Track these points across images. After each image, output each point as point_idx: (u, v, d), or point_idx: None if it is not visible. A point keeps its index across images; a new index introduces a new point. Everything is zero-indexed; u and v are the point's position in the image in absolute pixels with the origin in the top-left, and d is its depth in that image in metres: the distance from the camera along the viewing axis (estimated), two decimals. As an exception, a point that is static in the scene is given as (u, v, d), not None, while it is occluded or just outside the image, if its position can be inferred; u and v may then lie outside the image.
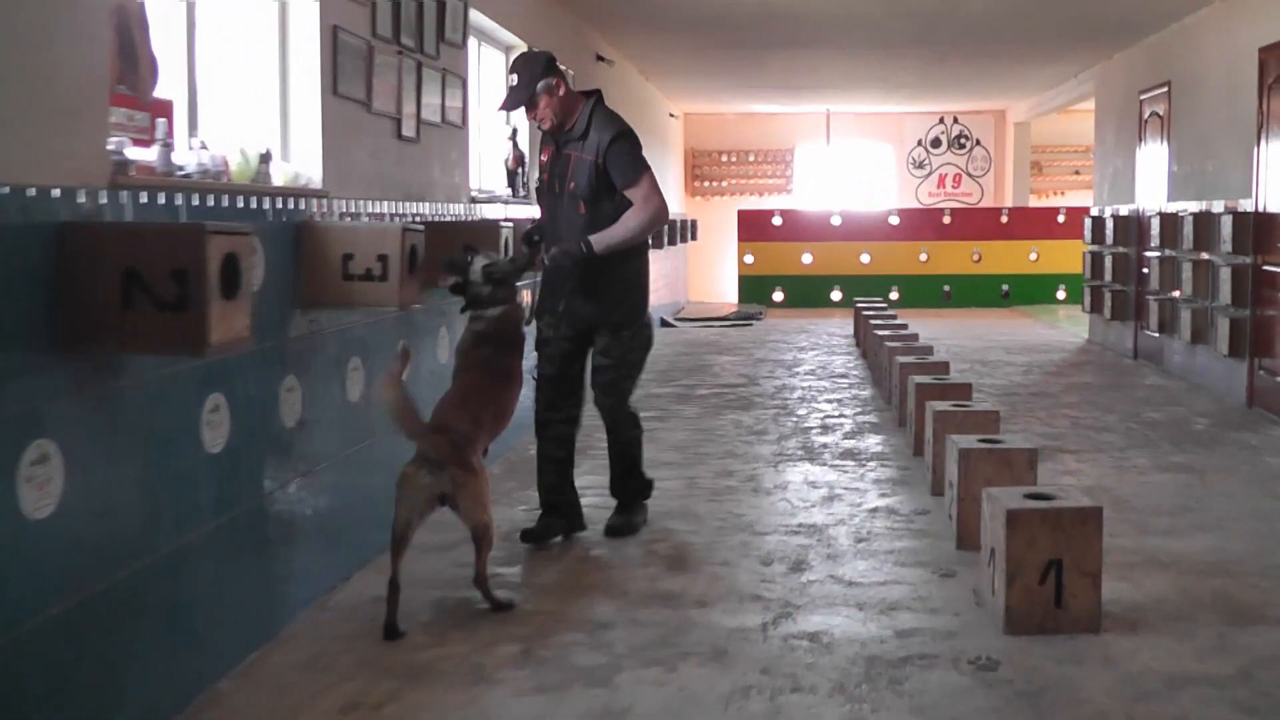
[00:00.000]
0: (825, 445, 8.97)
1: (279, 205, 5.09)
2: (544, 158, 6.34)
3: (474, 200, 8.07)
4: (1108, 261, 15.05)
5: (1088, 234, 16.09)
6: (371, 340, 6.09)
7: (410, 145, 6.79)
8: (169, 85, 4.80)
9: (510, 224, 7.10)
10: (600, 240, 6.02)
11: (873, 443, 9.07)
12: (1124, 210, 14.78)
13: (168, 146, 4.47)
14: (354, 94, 5.96)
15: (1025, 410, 10.51)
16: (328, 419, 5.59)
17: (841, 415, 10.29)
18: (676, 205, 21.58)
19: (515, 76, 6.07)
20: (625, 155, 6.06)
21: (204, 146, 4.85)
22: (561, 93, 6.07)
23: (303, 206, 5.33)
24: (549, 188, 6.27)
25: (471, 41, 8.82)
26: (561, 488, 6.46)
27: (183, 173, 4.61)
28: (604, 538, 6.48)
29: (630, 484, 6.62)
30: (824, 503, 7.23)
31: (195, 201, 4.42)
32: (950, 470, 6.35)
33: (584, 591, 5.61)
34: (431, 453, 5.10)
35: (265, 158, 5.17)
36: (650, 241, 6.55)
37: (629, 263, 6.24)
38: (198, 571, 4.43)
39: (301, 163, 5.58)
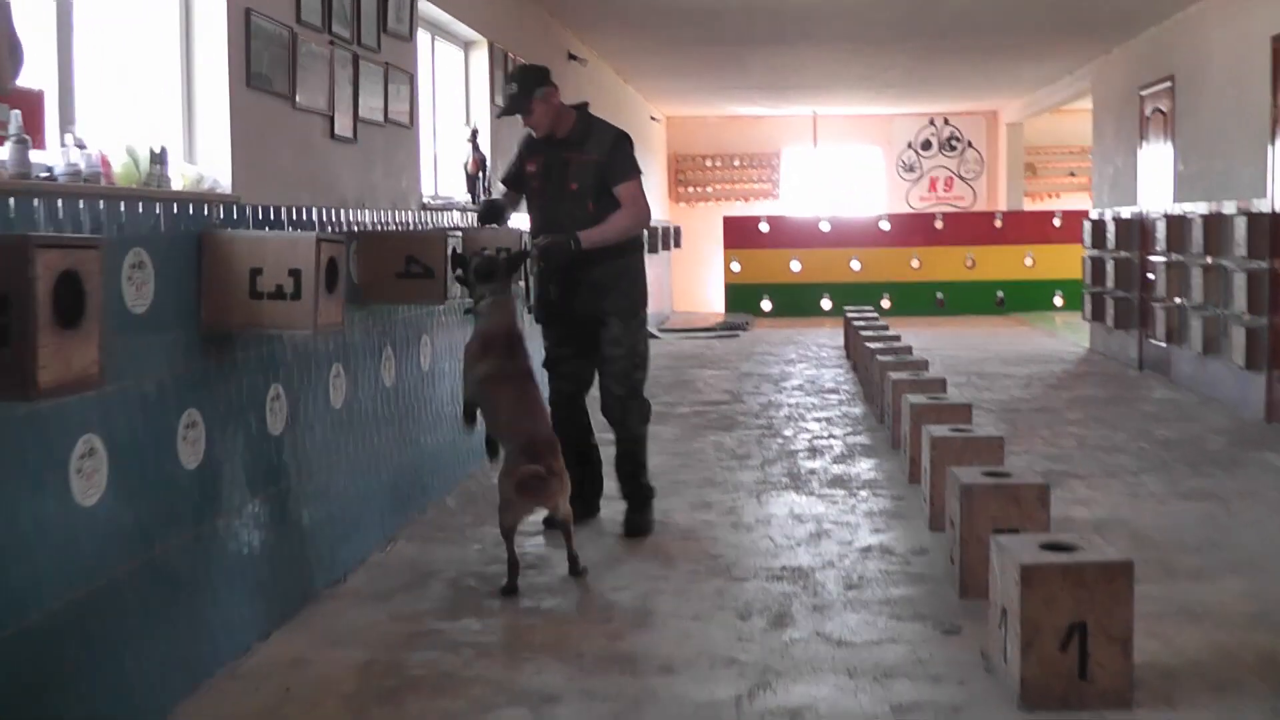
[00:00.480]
0: (813, 471, 8.26)
1: (174, 212, 4.38)
2: (532, 168, 6.58)
3: (426, 207, 7.36)
4: (1109, 267, 14.37)
5: (1087, 238, 15.41)
6: (298, 366, 5.38)
7: (345, 146, 6.08)
8: (38, 73, 4.09)
9: (459, 234, 6.38)
10: (589, 237, 6.34)
11: (864, 468, 8.36)
12: (1126, 213, 14.10)
13: (23, 143, 3.75)
14: (272, 87, 5.24)
15: (1028, 429, 9.81)
16: (242, 458, 4.87)
17: (831, 436, 9.59)
18: (660, 211, 20.92)
19: (515, 85, 6.44)
20: (624, 156, 6.49)
21: (80, 145, 4.13)
22: (554, 102, 6.46)
23: (206, 213, 4.62)
24: (544, 191, 6.54)
25: (424, 36, 8.12)
26: (580, 483, 6.50)
27: (47, 174, 3.91)
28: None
29: (641, 483, 6.79)
30: (810, 540, 6.52)
31: (62, 208, 3.71)
32: (951, 507, 5.65)
33: (532, 653, 4.89)
34: (542, 472, 5.67)
35: (159, 158, 4.45)
36: (645, 242, 6.95)
37: (627, 255, 6.60)
38: (65, 646, 3.71)
39: (209, 164, 4.87)
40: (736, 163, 24.23)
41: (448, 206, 7.85)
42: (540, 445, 5.76)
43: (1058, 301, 21.14)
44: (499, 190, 6.98)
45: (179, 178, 4.62)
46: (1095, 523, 6.75)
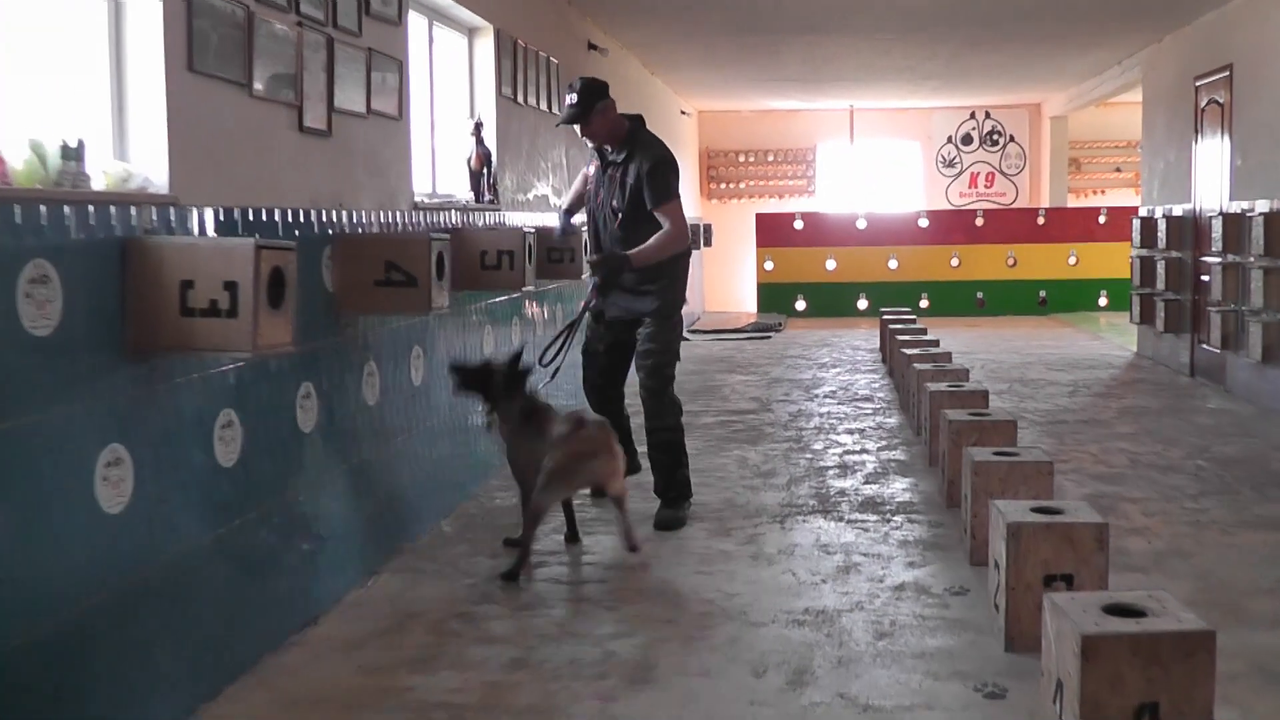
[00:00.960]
0: (843, 492, 7.60)
1: (91, 217, 3.77)
2: (590, 170, 7.10)
3: (419, 207, 6.73)
4: (1160, 267, 13.62)
5: (1136, 236, 14.65)
6: (256, 388, 4.77)
7: (318, 140, 5.45)
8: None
9: (445, 237, 5.75)
10: (639, 257, 6.72)
11: (899, 489, 7.70)
12: (1178, 210, 13.35)
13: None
14: (223, 72, 4.61)
15: (1075, 443, 9.12)
16: (182, 497, 4.27)
17: (864, 451, 8.92)
18: (692, 209, 20.24)
19: (575, 95, 6.71)
20: (659, 180, 6.73)
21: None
22: (612, 115, 6.80)
23: (135, 218, 4.01)
24: (594, 198, 7.01)
25: (420, 20, 7.50)
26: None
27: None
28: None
29: (677, 477, 7.00)
30: (838, 576, 5.87)
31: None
32: (995, 546, 4.99)
33: (512, 719, 4.27)
34: (590, 445, 5.98)
35: (74, 153, 3.84)
36: (689, 250, 7.08)
37: (674, 261, 6.89)
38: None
39: (143, 160, 4.26)
40: (770, 158, 23.53)
41: (445, 206, 7.22)
42: (592, 423, 6.12)
43: (1102, 302, 20.42)
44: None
45: (101, 176, 4.01)
46: (1154, 556, 6.09)
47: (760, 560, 6.15)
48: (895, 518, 6.96)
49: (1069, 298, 20.50)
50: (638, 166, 6.71)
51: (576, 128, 6.85)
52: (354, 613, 5.40)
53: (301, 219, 5.19)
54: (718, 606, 5.44)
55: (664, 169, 6.76)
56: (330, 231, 5.48)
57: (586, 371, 7.24)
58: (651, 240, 6.72)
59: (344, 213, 5.64)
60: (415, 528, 6.53)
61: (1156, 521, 6.76)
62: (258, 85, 4.86)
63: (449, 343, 7.08)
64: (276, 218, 4.96)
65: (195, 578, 4.35)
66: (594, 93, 6.72)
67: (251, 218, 4.73)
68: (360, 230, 5.80)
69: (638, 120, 6.94)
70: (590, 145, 6.98)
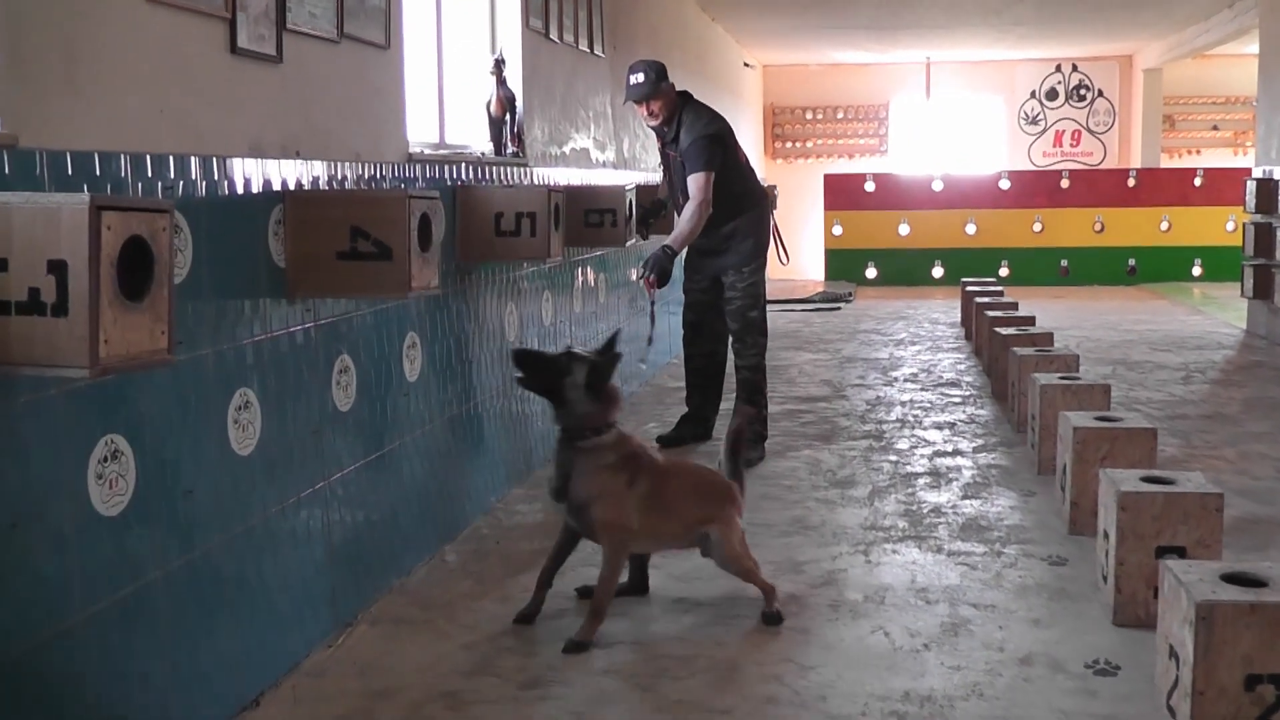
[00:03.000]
0: (938, 511, 6.25)
1: None
2: (660, 146, 7.48)
3: (415, 158, 5.39)
4: (1280, 235, 12.11)
5: (1250, 200, 13.08)
6: (151, 396, 3.48)
7: (260, 67, 4.10)
8: None
9: (433, 195, 4.40)
10: (675, 240, 7.05)
11: (1005, 506, 6.33)
12: (1305, 172, 11.83)
13: None
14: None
15: (1203, 445, 7.71)
16: (57, 554, 2.99)
17: (957, 452, 7.55)
18: (755, 169, 18.93)
19: (641, 75, 6.98)
20: (691, 154, 7.05)
21: None
22: (671, 95, 7.14)
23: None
24: (668, 185, 7.58)
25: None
26: (702, 406, 7.76)
27: None
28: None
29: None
30: (943, 638, 4.53)
31: None
32: (1171, 629, 3.62)
33: None
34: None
35: None
36: (759, 201, 7.57)
37: (732, 221, 7.29)
38: None
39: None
40: (840, 115, 22.48)
41: (453, 158, 5.87)
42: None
43: (1196, 271, 18.86)
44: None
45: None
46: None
47: (841, 612, 4.81)
48: (1007, 550, 5.60)
49: (1160, 267, 18.96)
50: (685, 139, 7.08)
51: (639, 107, 7.11)
52: (309, 688, 4.12)
53: (229, 171, 3.86)
54: (788, 688, 4.11)
55: (700, 143, 7.02)
56: (281, 188, 4.16)
57: (685, 311, 7.69)
58: (680, 220, 7.11)
59: (299, 163, 4.32)
60: (409, 558, 5.25)
61: (1340, 561, 5.36)
62: (164, -13, 3.53)
63: (455, 328, 5.76)
64: (192, 169, 3.63)
65: (83, 650, 3.07)
66: (661, 74, 7.04)
67: (139, 170, 3.40)
68: (319, 186, 4.47)
69: (684, 96, 7.26)
70: (650, 125, 7.28)
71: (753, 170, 7.74)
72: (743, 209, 7.34)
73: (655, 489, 4.67)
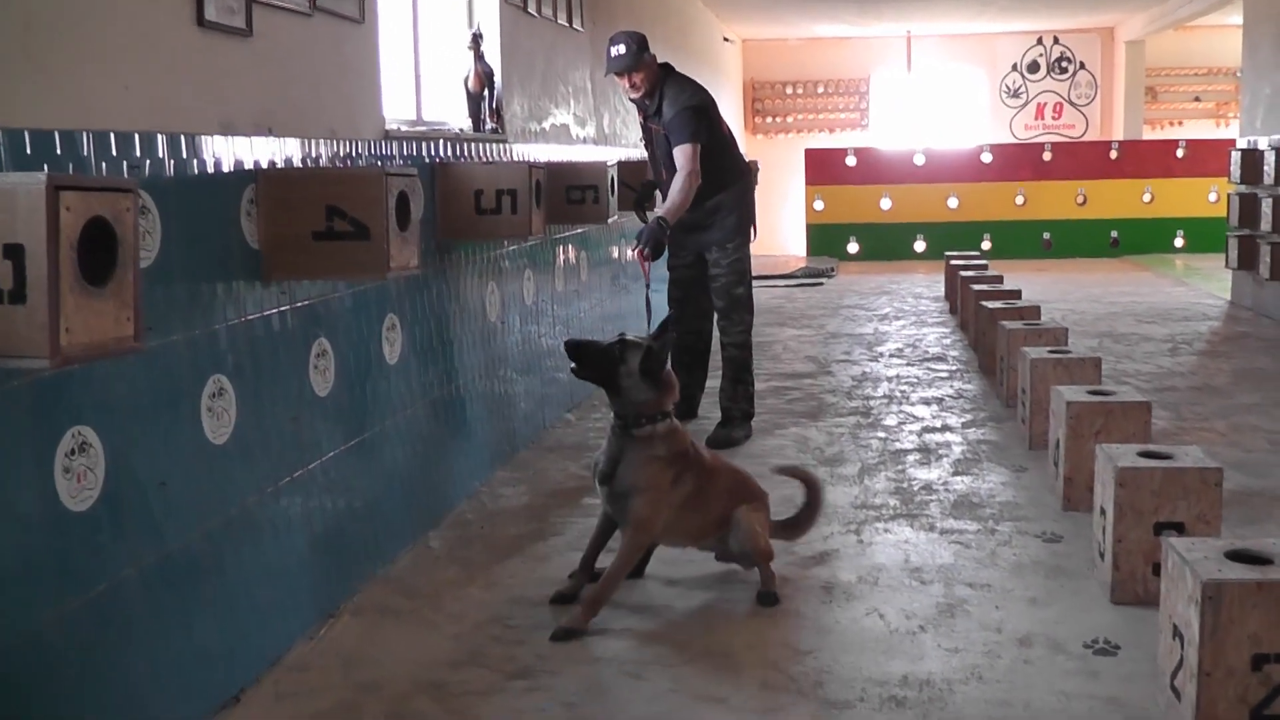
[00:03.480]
0: (929, 488, 6.15)
1: None
2: (645, 137, 7.43)
3: (392, 135, 5.26)
4: (1265, 206, 12.00)
5: (1235, 170, 12.99)
6: (122, 384, 3.35)
7: (231, 41, 3.96)
8: None
9: (411, 173, 4.26)
10: (668, 211, 6.77)
11: (997, 483, 6.24)
12: (1290, 141, 11.74)
13: None
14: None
15: (1194, 417, 7.64)
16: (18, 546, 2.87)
17: (946, 428, 7.46)
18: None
19: (622, 46, 6.85)
20: (674, 126, 6.88)
21: None
22: (654, 67, 7.01)
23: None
24: (652, 162, 7.47)
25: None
26: (688, 385, 7.29)
27: None
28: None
29: (737, 392, 7.32)
30: (939, 619, 4.43)
31: None
32: (1175, 607, 3.52)
33: None
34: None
35: None
36: (743, 176, 7.45)
37: (720, 193, 7.17)
38: None
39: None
40: (820, 89, 22.30)
41: (430, 135, 5.74)
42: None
43: (1178, 243, 18.82)
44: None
45: None
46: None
47: (835, 594, 4.71)
48: (1000, 527, 5.51)
49: (1142, 239, 18.91)
50: (667, 112, 6.92)
51: (621, 80, 6.99)
52: (292, 683, 4.00)
53: (200, 150, 3.73)
54: (783, 674, 4.01)
55: (685, 115, 6.87)
56: (254, 166, 4.03)
57: (670, 286, 7.44)
58: (671, 192, 6.86)
59: (272, 140, 4.18)
60: (392, 545, 5.13)
61: (1339, 535, 5.28)
62: (128, -43, 3.39)
63: (435, 309, 5.64)
64: (159, 148, 3.50)
65: (49, 653, 2.95)
66: (643, 45, 6.91)
67: (100, 148, 3.27)
68: (295, 164, 4.34)
69: (666, 68, 7.13)
70: (632, 98, 7.14)
71: (736, 144, 7.58)
72: (726, 183, 7.17)
73: (698, 489, 4.64)
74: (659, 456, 4.53)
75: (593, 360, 4.57)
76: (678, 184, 6.79)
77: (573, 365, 4.61)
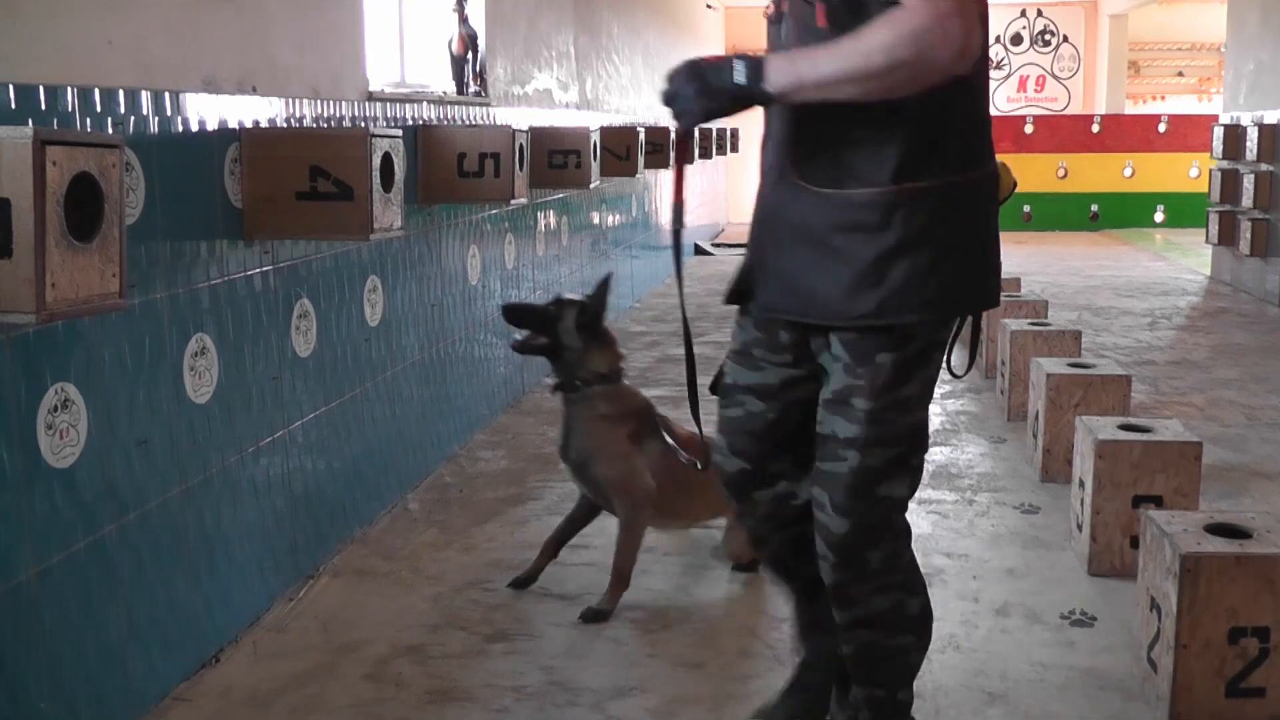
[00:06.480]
0: (908, 459, 6.17)
1: None
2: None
3: (375, 97, 5.23)
4: (1247, 182, 12.03)
5: (1217, 146, 13.02)
6: (103, 346, 3.33)
7: (219, -1, 3.95)
8: None
9: (395, 134, 4.24)
10: (780, 75, 2.63)
11: (976, 454, 6.26)
12: (1272, 117, 11.75)
13: None
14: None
15: (1172, 390, 7.68)
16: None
17: (924, 399, 7.47)
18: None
19: None
20: None
21: None
22: None
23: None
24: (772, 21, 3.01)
25: None
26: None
27: None
28: None
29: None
30: (917, 590, 4.45)
31: None
32: (1154, 579, 3.54)
33: None
34: None
35: None
36: (983, 171, 2.85)
37: (922, 181, 2.75)
38: None
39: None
40: (802, 57, 22.01)
41: (414, 97, 5.71)
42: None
43: (1158, 218, 18.85)
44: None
45: None
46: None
47: (813, 562, 4.72)
48: (979, 497, 5.53)
49: (1123, 213, 18.95)
50: None
51: None
52: (271, 644, 3.99)
53: (182, 107, 3.70)
54: (760, 641, 4.03)
55: None
56: (234, 126, 4.00)
57: (724, 434, 3.26)
58: (850, 37, 2.55)
59: (255, 99, 4.15)
60: (371, 507, 5.12)
61: (1314, 510, 5.33)
62: (114, -90, 3.36)
63: (417, 271, 5.63)
64: (143, 104, 3.47)
65: (28, 608, 2.94)
66: None
67: (82, 102, 3.24)
68: (277, 124, 4.31)
69: None
70: None
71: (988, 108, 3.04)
72: (948, 167, 2.74)
73: (671, 457, 4.19)
74: (603, 415, 4.23)
75: (533, 321, 4.28)
76: (884, 30, 2.47)
77: (514, 340, 4.34)
